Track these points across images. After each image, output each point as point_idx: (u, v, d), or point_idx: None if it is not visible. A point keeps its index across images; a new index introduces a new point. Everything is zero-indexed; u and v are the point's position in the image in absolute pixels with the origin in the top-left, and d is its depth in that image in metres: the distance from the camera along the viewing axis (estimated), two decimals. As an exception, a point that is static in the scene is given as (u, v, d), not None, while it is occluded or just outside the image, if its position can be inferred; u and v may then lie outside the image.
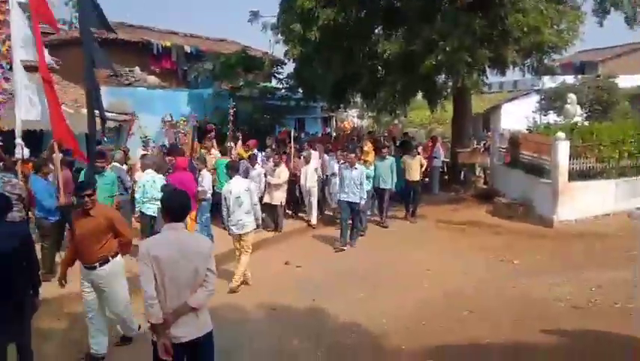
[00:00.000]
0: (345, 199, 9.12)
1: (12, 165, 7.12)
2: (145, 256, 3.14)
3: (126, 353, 5.05)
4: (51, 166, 7.31)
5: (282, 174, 10.14)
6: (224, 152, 11.55)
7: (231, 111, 12.81)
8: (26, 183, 7.06)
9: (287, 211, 11.15)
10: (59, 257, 7.12)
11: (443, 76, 13.65)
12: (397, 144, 14.48)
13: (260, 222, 7.41)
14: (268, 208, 10.16)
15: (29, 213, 6.96)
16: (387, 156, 10.83)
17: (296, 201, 11.37)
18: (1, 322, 4.07)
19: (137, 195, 8.00)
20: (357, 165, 9.21)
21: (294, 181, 10.88)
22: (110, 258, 4.79)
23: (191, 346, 3.21)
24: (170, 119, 13.99)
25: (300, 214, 11.38)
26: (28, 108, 7.09)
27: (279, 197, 10.14)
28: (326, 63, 13.64)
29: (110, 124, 12.70)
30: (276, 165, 10.27)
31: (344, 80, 13.93)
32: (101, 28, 6.99)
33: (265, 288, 7.08)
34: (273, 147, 12.31)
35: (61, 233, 7.40)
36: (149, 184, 7.78)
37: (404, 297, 6.52)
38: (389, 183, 10.59)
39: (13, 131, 7.39)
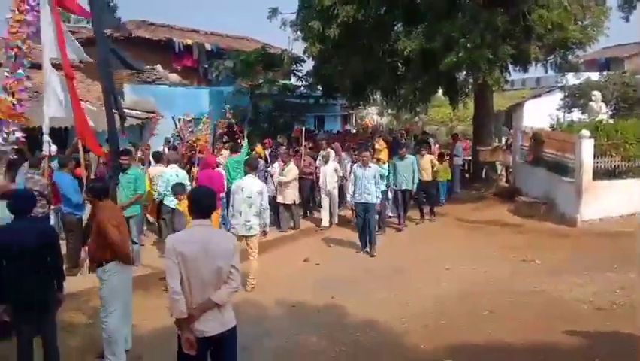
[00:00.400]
0: (360, 201, 8.73)
1: (36, 162, 7.28)
2: (171, 252, 3.20)
3: (156, 347, 5.12)
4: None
5: (290, 172, 10.00)
6: (234, 150, 11.51)
7: (228, 114, 12.87)
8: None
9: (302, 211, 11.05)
10: (84, 252, 7.30)
11: (464, 73, 13.54)
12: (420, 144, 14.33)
13: (267, 228, 7.17)
14: (282, 207, 10.11)
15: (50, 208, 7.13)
16: (407, 155, 10.49)
17: (307, 200, 11.20)
18: (26, 315, 4.20)
19: (160, 189, 8.16)
20: (370, 164, 8.87)
21: (305, 179, 10.72)
22: (104, 262, 4.65)
23: (215, 341, 3.26)
24: (186, 116, 14.08)
25: (315, 214, 11.18)
26: (56, 105, 7.28)
27: (291, 195, 9.99)
28: (345, 60, 13.62)
29: (133, 122, 12.90)
30: (285, 163, 10.17)
31: (363, 77, 13.89)
32: (113, 28, 7.07)
33: (284, 285, 7.12)
34: (285, 145, 12.29)
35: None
36: (173, 178, 7.92)
37: (423, 296, 6.49)
38: (410, 183, 10.26)
39: (38, 129, 7.59)
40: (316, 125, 20.13)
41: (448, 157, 13.46)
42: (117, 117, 6.55)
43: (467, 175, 15.32)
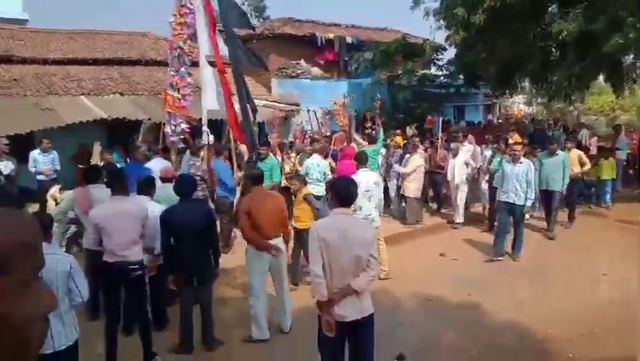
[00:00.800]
0: (506, 200, 7.81)
1: (197, 150, 8.13)
2: (314, 238, 3.37)
3: (301, 324, 5.44)
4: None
5: (411, 163, 9.49)
6: (371, 140, 11.48)
7: (377, 103, 12.86)
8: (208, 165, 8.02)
9: (431, 205, 10.76)
10: (234, 233, 8.02)
11: (632, 56, 11.98)
12: (568, 136, 12.92)
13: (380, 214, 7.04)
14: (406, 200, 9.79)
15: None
16: (558, 151, 9.14)
17: (439, 195, 10.74)
18: (188, 287, 4.75)
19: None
20: (522, 159, 7.92)
21: (439, 173, 10.29)
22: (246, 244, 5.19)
23: (353, 326, 3.37)
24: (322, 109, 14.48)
25: (444, 210, 10.65)
26: (211, 99, 8.05)
27: (410, 188, 9.50)
28: (491, 46, 12.90)
29: (279, 114, 13.74)
30: (409, 153, 9.77)
31: (511, 64, 13.02)
32: (242, 27, 7.39)
33: (419, 278, 7.03)
34: (415, 136, 11.98)
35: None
36: (314, 167, 8.29)
37: (574, 301, 5.94)
38: (558, 183, 8.90)
39: (199, 120, 8.46)
40: (456, 115, 19.44)
41: (609, 151, 11.95)
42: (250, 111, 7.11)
43: (631, 171, 13.54)
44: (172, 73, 8.03)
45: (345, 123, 12.31)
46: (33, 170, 9.63)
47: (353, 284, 3.32)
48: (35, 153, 9.72)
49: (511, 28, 12.53)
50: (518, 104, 25.10)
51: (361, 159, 7.14)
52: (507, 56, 12.63)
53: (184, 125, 8.10)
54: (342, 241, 3.33)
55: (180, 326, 4.80)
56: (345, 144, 10.82)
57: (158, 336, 4.86)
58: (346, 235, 3.34)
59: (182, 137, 8.14)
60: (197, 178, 6.85)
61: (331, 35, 18.58)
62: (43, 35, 15.06)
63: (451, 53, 16.11)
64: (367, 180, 6.78)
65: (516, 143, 9.06)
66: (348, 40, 18.83)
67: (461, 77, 16.59)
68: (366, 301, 3.43)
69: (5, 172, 8.86)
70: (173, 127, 8.06)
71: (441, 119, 12.37)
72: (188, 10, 7.90)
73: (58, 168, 9.95)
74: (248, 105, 7.29)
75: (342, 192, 3.53)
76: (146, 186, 5.30)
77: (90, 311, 5.31)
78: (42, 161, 9.69)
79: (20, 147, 9.79)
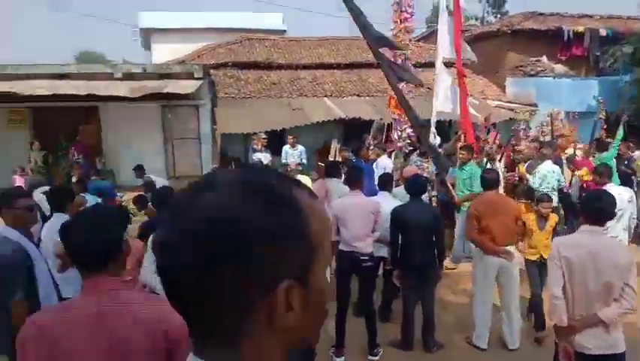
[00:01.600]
0: None
1: (425, 152, 8.20)
2: (555, 256, 3.11)
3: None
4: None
5: None
6: (601, 147, 9.60)
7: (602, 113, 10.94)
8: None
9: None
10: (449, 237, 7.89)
11: None
12: None
13: (630, 238, 5.79)
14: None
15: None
16: None
17: None
18: (413, 283, 4.86)
19: (535, 185, 7.88)
20: None
21: None
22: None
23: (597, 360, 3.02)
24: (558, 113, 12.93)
25: None
26: (444, 101, 8.04)
27: None
28: None
29: (512, 115, 12.97)
30: None
31: None
32: (384, 46, 6.88)
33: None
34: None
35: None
36: (550, 174, 7.62)
37: None
38: None
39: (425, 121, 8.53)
40: None
41: None
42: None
43: None
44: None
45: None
46: (284, 162, 11.10)
47: (600, 314, 2.94)
48: (287, 147, 11.20)
49: None
50: None
51: (604, 173, 6.00)
52: None
53: (409, 130, 8.30)
54: (589, 263, 2.97)
55: (402, 323, 4.95)
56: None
57: (381, 327, 5.10)
58: (595, 257, 2.98)
59: (408, 141, 8.37)
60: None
61: (581, 28, 16.53)
62: (297, 44, 17.11)
63: None
64: (619, 196, 5.85)
65: None
66: (602, 32, 16.48)
67: None
68: (617, 335, 3.01)
69: (265, 162, 10.46)
70: (399, 132, 8.35)
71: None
72: (408, 15, 8.03)
73: (304, 161, 11.25)
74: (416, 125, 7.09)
75: (596, 208, 3.13)
76: (386, 183, 5.66)
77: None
78: (291, 154, 11.10)
79: (274, 141, 11.39)
